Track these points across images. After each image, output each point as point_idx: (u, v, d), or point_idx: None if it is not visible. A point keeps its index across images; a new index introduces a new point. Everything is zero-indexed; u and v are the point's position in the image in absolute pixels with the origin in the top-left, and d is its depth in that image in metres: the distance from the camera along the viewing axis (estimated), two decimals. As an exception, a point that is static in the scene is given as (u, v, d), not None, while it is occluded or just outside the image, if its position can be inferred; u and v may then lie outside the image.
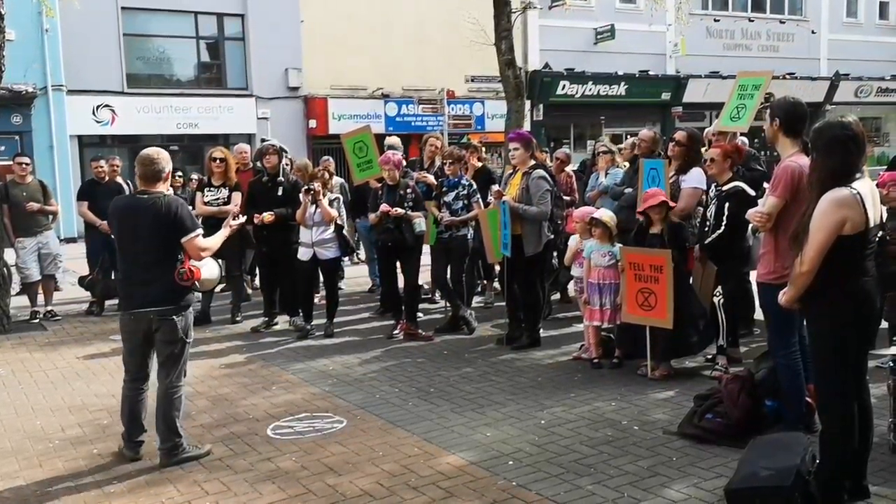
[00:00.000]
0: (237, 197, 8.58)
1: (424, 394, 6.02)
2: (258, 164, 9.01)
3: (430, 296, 9.40)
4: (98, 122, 18.54)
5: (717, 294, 6.18)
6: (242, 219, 5.43)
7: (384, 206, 7.55)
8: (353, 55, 20.47)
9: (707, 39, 25.47)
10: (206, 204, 8.61)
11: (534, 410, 5.53)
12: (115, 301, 8.28)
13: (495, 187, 7.37)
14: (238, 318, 8.77)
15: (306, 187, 7.74)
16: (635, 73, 24.08)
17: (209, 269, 5.08)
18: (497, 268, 8.85)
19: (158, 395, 4.82)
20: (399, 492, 4.28)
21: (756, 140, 17.45)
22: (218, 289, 9.62)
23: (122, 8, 18.66)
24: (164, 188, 4.88)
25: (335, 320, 8.11)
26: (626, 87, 23.98)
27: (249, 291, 10.04)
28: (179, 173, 10.53)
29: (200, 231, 4.85)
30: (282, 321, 8.45)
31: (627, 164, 8.33)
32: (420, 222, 7.66)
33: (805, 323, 4.18)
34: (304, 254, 7.92)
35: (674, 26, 23.17)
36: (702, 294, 6.30)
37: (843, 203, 3.64)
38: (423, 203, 7.81)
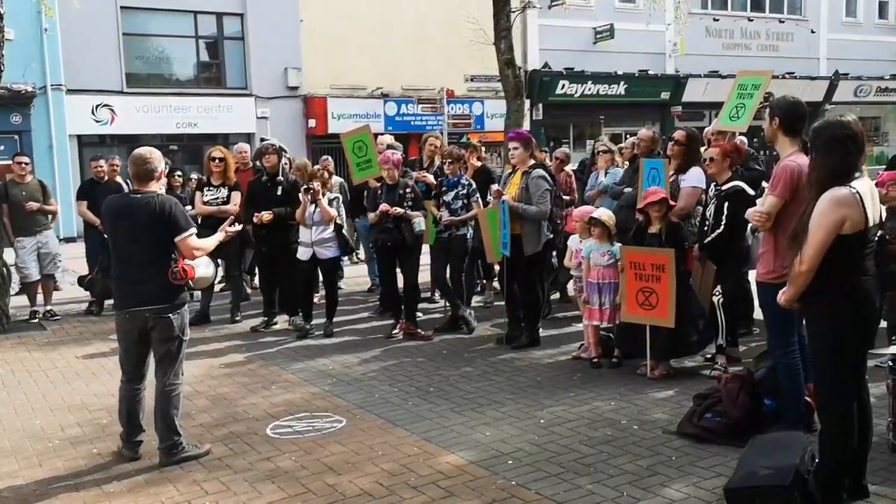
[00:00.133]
0: (236, 196, 8.58)
1: (424, 393, 6.02)
2: (257, 163, 9.01)
3: (429, 295, 9.40)
4: (97, 121, 18.54)
5: (717, 293, 6.18)
6: (238, 227, 5.43)
7: (383, 206, 7.54)
8: (352, 55, 20.48)
9: (706, 39, 25.49)
10: (205, 203, 8.60)
11: (533, 410, 5.53)
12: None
13: (495, 187, 7.37)
14: (237, 318, 8.76)
15: (305, 187, 7.74)
16: (635, 73, 24.09)
17: (203, 268, 5.08)
18: (496, 267, 8.85)
19: (156, 394, 4.83)
20: (398, 491, 4.28)
21: (755, 139, 17.44)
22: (217, 288, 9.65)
23: (122, 7, 18.65)
24: (158, 187, 4.89)
25: (335, 320, 8.11)
26: (625, 86, 23.98)
27: (249, 291, 10.04)
28: (179, 173, 10.50)
29: (194, 230, 4.86)
30: (281, 321, 8.45)
31: (627, 164, 8.34)
32: (419, 222, 7.67)
33: (804, 322, 4.18)
34: (303, 253, 7.92)
35: (673, 26, 23.19)
36: (701, 293, 6.30)
37: (842, 202, 3.64)
38: (422, 202, 7.81)
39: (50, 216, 9.29)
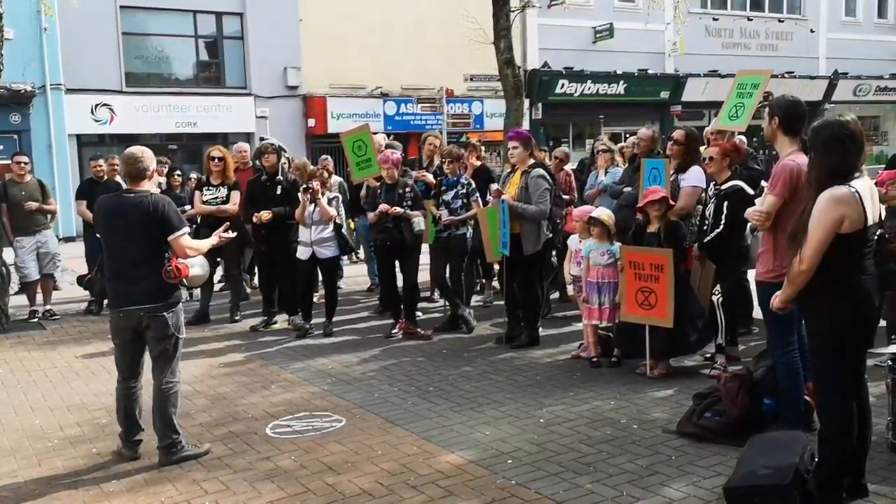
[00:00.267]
0: (236, 196, 8.57)
1: (423, 393, 6.02)
2: (257, 163, 9.00)
3: (429, 295, 9.40)
4: (97, 121, 18.53)
5: (716, 293, 6.18)
6: (232, 234, 5.43)
7: (383, 206, 7.54)
8: (351, 54, 20.48)
9: (706, 38, 25.49)
10: (204, 203, 8.60)
11: (533, 409, 5.53)
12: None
13: (494, 186, 7.37)
14: (237, 318, 8.76)
15: (305, 186, 7.74)
16: (634, 72, 24.08)
17: (197, 267, 5.08)
18: (496, 267, 8.85)
19: (154, 393, 4.83)
20: (398, 490, 4.28)
21: (755, 139, 17.45)
22: (217, 288, 9.65)
23: (121, 7, 18.64)
24: (150, 186, 4.89)
25: (334, 319, 8.11)
26: (624, 85, 23.98)
27: (248, 291, 10.04)
28: (178, 172, 10.50)
29: (187, 229, 4.88)
30: (281, 320, 8.45)
31: (626, 163, 8.33)
32: (419, 221, 7.66)
33: (804, 322, 4.19)
34: (303, 253, 7.92)
35: (672, 25, 23.18)
36: (700, 293, 6.30)
37: (841, 201, 3.64)
38: (421, 202, 7.81)
39: (49, 216, 9.29)
